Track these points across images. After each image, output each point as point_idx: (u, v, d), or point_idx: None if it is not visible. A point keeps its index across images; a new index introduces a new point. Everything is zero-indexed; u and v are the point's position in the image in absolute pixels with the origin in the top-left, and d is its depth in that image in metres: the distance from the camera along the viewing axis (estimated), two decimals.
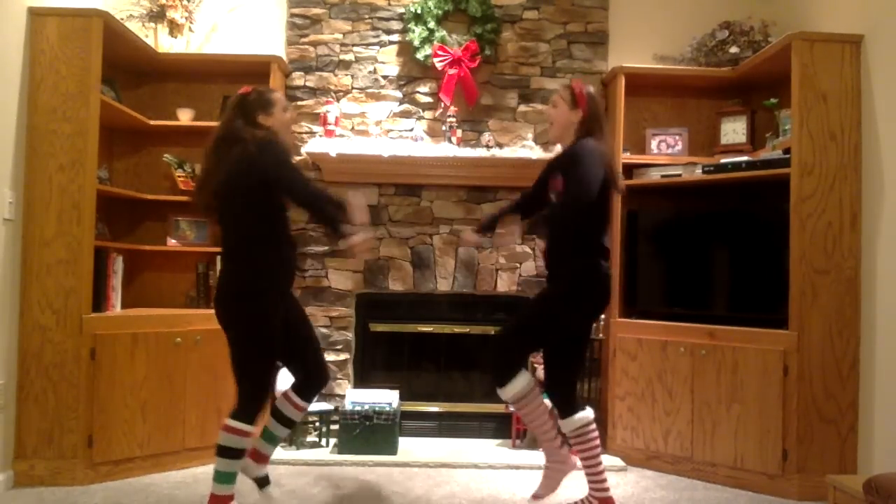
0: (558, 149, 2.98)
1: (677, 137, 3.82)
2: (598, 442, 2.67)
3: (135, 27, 3.53)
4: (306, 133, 3.86)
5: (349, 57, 3.90)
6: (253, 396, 2.54)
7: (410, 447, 3.58)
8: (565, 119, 2.70)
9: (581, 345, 2.78)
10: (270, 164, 2.46)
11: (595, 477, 2.66)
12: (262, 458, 2.68)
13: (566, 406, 2.69)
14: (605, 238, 2.68)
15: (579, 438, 2.65)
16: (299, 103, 3.87)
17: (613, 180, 2.65)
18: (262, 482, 2.73)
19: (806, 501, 2.99)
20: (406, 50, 3.87)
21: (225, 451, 2.48)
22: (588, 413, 2.68)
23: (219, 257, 3.61)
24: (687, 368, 3.31)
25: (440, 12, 3.81)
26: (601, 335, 3.65)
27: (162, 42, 3.66)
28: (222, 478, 2.50)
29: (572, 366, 2.76)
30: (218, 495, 2.50)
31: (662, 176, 3.62)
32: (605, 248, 2.67)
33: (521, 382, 2.64)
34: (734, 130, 3.74)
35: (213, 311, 3.51)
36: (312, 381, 2.73)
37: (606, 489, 2.67)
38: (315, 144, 3.67)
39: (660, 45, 3.91)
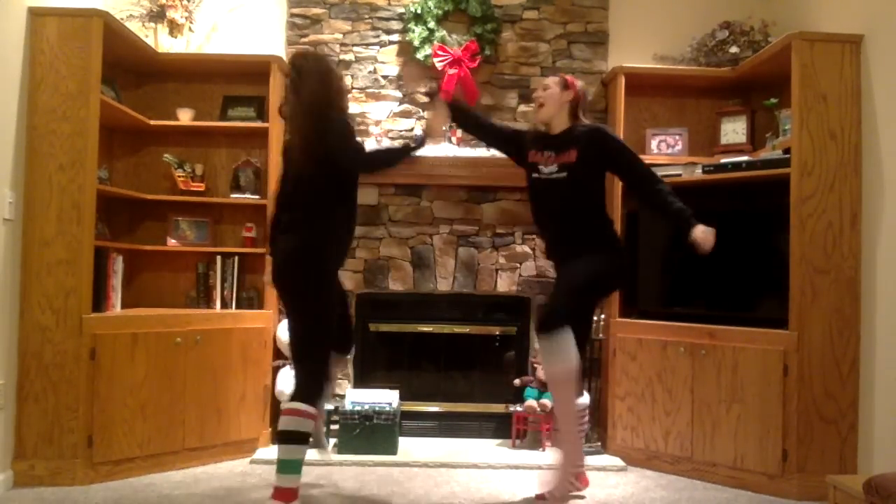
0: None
1: (677, 137, 3.82)
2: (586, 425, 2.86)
3: (135, 27, 3.53)
4: None
5: (349, 57, 3.90)
6: (316, 375, 2.49)
7: (410, 447, 3.58)
8: (558, 98, 2.86)
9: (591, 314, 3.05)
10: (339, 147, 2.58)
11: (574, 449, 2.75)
12: (288, 496, 2.48)
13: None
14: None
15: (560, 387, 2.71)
16: None
17: None
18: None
19: (806, 501, 2.99)
20: (406, 50, 3.87)
21: (289, 437, 2.36)
22: (585, 400, 2.85)
23: (219, 257, 3.65)
24: (687, 368, 3.31)
25: (440, 12, 3.81)
26: (601, 335, 3.64)
27: (162, 42, 3.66)
28: (288, 466, 2.36)
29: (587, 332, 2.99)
30: (284, 487, 2.35)
31: (662, 176, 3.61)
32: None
33: (569, 339, 2.61)
34: (734, 130, 3.74)
35: (212, 311, 3.53)
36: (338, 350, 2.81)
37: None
38: None
39: (660, 45, 3.91)
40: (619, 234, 2.92)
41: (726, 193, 3.62)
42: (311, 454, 3.40)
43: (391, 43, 3.91)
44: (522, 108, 3.90)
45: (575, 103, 2.88)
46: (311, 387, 2.46)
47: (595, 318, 3.64)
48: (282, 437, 2.38)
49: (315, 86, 2.57)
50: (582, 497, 2.95)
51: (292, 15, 3.89)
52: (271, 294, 3.61)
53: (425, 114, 3.24)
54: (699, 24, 3.85)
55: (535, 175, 2.89)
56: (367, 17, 3.90)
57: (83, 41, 3.01)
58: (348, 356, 2.78)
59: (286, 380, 3.58)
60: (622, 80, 3.63)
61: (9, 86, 2.89)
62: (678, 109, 3.92)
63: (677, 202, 2.76)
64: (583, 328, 2.86)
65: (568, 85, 2.88)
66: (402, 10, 3.88)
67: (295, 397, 2.44)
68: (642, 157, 3.71)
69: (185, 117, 3.70)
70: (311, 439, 2.47)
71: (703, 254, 2.69)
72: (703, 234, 2.68)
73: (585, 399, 2.86)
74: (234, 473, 3.20)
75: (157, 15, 3.67)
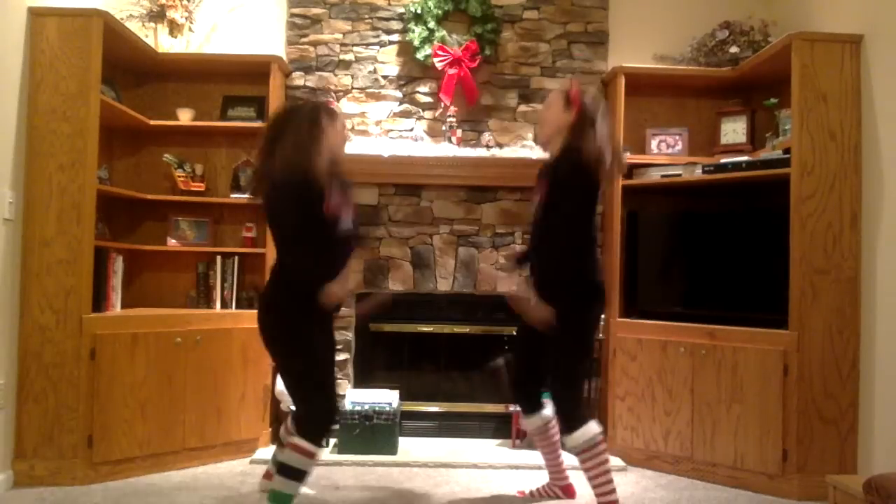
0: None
1: (677, 137, 3.82)
2: (607, 457, 2.58)
3: (135, 27, 3.53)
4: None
5: (349, 57, 3.90)
6: (319, 412, 2.43)
7: (410, 447, 3.58)
8: (557, 120, 2.60)
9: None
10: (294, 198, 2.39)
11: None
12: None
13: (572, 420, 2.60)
14: (594, 247, 2.66)
15: (587, 454, 2.54)
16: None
17: (601, 177, 2.52)
18: None
19: (806, 501, 2.98)
20: (406, 50, 3.87)
21: (289, 472, 2.35)
22: (595, 427, 2.57)
23: (219, 257, 3.65)
24: (687, 368, 3.31)
25: (440, 12, 3.81)
26: (601, 335, 3.64)
27: (162, 42, 3.66)
28: (280, 498, 2.35)
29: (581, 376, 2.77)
30: None
31: (662, 176, 3.62)
32: (596, 258, 2.66)
33: (592, 428, 2.54)
34: (734, 130, 3.74)
35: (212, 311, 3.53)
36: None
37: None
38: None
39: (660, 45, 3.91)
40: (587, 284, 2.60)
41: (726, 193, 3.62)
42: None
43: (391, 43, 3.91)
44: (522, 108, 3.90)
45: (575, 126, 2.53)
46: (317, 424, 2.42)
47: None
48: (281, 470, 2.37)
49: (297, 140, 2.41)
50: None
51: (292, 15, 3.89)
52: None
53: None
54: (699, 24, 3.85)
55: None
56: (367, 17, 3.90)
57: (83, 41, 3.01)
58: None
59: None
60: (622, 80, 3.63)
61: (9, 86, 2.89)
62: (678, 109, 3.92)
63: (550, 270, 2.59)
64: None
65: (571, 102, 2.57)
66: (402, 10, 3.88)
67: (301, 434, 2.38)
68: (642, 156, 3.76)
69: (184, 117, 3.70)
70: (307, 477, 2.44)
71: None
72: (536, 310, 2.55)
73: (549, 412, 2.75)
74: (234, 473, 3.20)
75: (157, 15, 3.66)
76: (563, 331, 2.54)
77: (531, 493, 2.97)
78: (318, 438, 2.39)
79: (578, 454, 2.55)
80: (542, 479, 3.02)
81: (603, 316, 3.63)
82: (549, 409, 2.78)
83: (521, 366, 2.88)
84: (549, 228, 2.58)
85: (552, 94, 2.71)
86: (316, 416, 2.44)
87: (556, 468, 2.93)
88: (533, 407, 2.82)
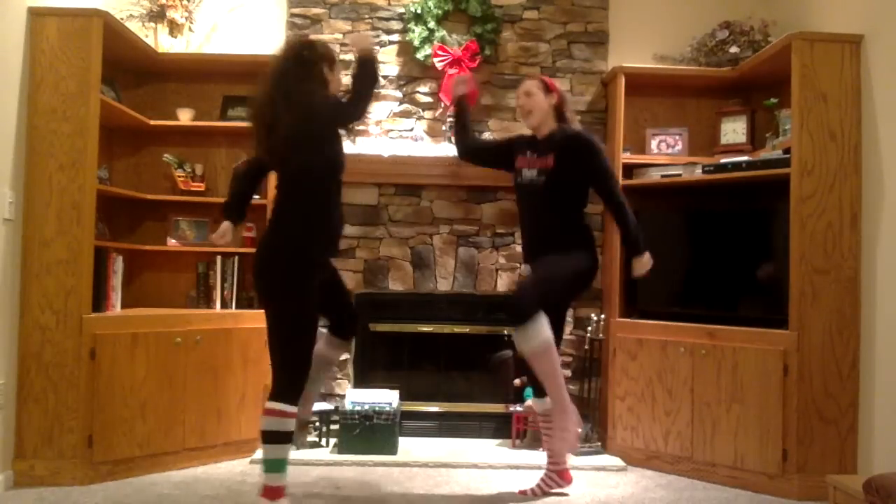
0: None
1: (677, 137, 3.82)
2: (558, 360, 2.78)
3: (135, 27, 3.53)
4: None
5: (349, 57, 3.88)
6: (295, 375, 2.48)
7: (410, 447, 3.58)
8: (545, 104, 2.93)
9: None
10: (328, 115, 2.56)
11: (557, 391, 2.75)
12: (276, 493, 2.49)
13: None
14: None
15: (541, 356, 2.70)
16: None
17: None
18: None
19: (806, 501, 2.98)
20: (406, 50, 3.87)
21: (272, 437, 2.41)
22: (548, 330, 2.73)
23: (219, 257, 3.65)
24: (687, 368, 3.31)
25: (440, 12, 3.81)
26: (601, 335, 3.64)
27: (162, 42, 3.66)
28: (273, 465, 2.42)
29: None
30: (271, 486, 2.42)
31: (662, 176, 3.62)
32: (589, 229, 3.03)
33: (544, 323, 2.67)
34: (734, 130, 3.74)
35: (212, 311, 3.53)
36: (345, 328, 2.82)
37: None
38: None
39: (660, 45, 3.91)
40: (596, 242, 3.03)
41: (726, 193, 3.62)
42: (311, 454, 3.42)
43: (391, 43, 3.91)
44: None
45: (559, 105, 2.95)
46: (290, 387, 2.45)
47: (595, 318, 3.66)
48: (265, 438, 2.42)
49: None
50: (565, 494, 2.97)
51: (292, 15, 3.89)
52: None
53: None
54: (699, 24, 3.85)
55: (518, 180, 2.99)
56: (367, 17, 3.90)
57: (83, 41, 3.01)
58: (349, 342, 2.79)
59: None
60: (622, 80, 3.63)
61: (9, 86, 2.89)
62: (678, 109, 3.92)
63: (637, 227, 2.91)
64: (556, 326, 2.83)
65: (550, 88, 2.95)
66: (402, 10, 3.88)
67: (274, 397, 2.43)
68: (642, 156, 3.76)
69: (184, 117, 3.70)
70: (294, 437, 2.50)
71: (635, 276, 2.98)
72: (645, 261, 2.92)
73: (547, 403, 2.86)
74: (234, 473, 3.20)
75: (157, 15, 3.66)
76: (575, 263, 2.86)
77: (531, 490, 2.98)
78: (294, 400, 2.45)
79: (531, 354, 2.71)
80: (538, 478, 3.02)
81: (603, 315, 3.67)
82: (547, 402, 2.87)
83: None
84: (560, 196, 2.88)
85: (529, 85, 2.98)
86: (297, 381, 2.48)
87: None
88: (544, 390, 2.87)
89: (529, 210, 3.00)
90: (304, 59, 2.57)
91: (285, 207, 2.58)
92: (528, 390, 3.64)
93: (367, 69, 2.66)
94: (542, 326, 2.67)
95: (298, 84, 2.51)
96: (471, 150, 3.23)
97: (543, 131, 2.96)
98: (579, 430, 2.95)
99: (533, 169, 2.92)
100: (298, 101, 2.49)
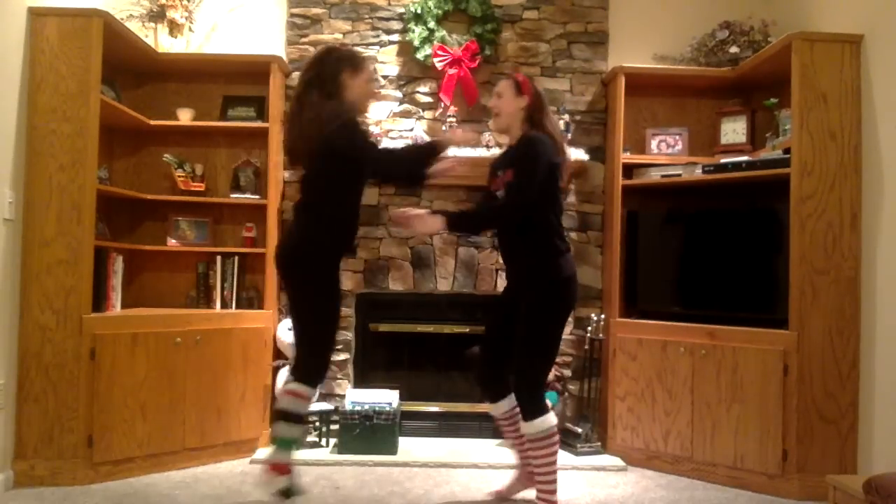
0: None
1: (677, 137, 3.82)
2: (556, 449, 2.60)
3: (135, 27, 3.53)
4: None
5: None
6: (318, 359, 2.61)
7: (410, 447, 3.58)
8: (512, 107, 2.68)
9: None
10: (348, 148, 2.55)
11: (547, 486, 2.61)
12: (282, 469, 2.61)
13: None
14: (562, 228, 2.70)
15: (538, 443, 2.58)
16: None
17: (564, 169, 2.67)
18: (288, 492, 2.66)
19: (806, 501, 2.99)
20: (406, 50, 3.87)
21: (287, 416, 2.52)
22: (552, 418, 2.60)
23: (219, 257, 3.65)
24: (687, 368, 3.31)
25: (440, 12, 3.81)
26: (601, 335, 3.64)
27: (162, 42, 3.66)
28: (284, 444, 2.54)
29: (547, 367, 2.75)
30: (280, 462, 2.54)
31: (662, 176, 3.62)
32: (564, 238, 2.69)
33: (551, 419, 2.58)
34: (734, 130, 3.74)
35: (212, 311, 3.54)
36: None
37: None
38: None
39: (660, 45, 3.91)
40: (564, 255, 2.65)
41: (726, 193, 3.62)
42: (311, 454, 3.42)
43: (391, 43, 3.91)
44: None
45: (531, 109, 2.66)
46: (313, 370, 2.58)
47: (595, 317, 3.66)
48: (280, 416, 2.53)
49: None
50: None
51: (292, 15, 3.89)
52: (271, 294, 3.62)
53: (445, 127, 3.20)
54: (699, 24, 3.85)
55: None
56: (367, 17, 3.90)
57: (83, 41, 3.01)
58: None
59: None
60: (622, 80, 3.63)
61: (9, 86, 2.89)
62: (678, 109, 3.92)
63: (483, 216, 2.76)
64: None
65: (522, 89, 2.68)
66: (402, 10, 3.88)
67: (296, 377, 2.55)
68: (642, 156, 3.76)
69: (185, 117, 3.70)
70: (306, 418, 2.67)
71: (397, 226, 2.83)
72: (432, 224, 2.60)
73: (553, 418, 2.65)
74: (234, 473, 3.20)
75: (157, 15, 3.67)
76: (532, 322, 2.59)
77: (504, 489, 2.93)
78: (315, 384, 2.58)
79: (532, 443, 2.59)
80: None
81: (603, 315, 3.66)
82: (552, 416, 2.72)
83: (486, 354, 2.85)
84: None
85: (501, 84, 2.75)
86: (320, 366, 2.62)
87: (526, 453, 2.84)
88: (499, 394, 2.81)
89: (500, 234, 2.81)
90: (322, 67, 2.63)
91: (308, 206, 2.68)
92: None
93: (423, 155, 2.72)
94: (548, 416, 2.57)
95: (312, 94, 2.58)
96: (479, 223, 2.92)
97: (512, 139, 2.73)
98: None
99: (501, 189, 2.67)
100: (309, 116, 2.56)
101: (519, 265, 2.74)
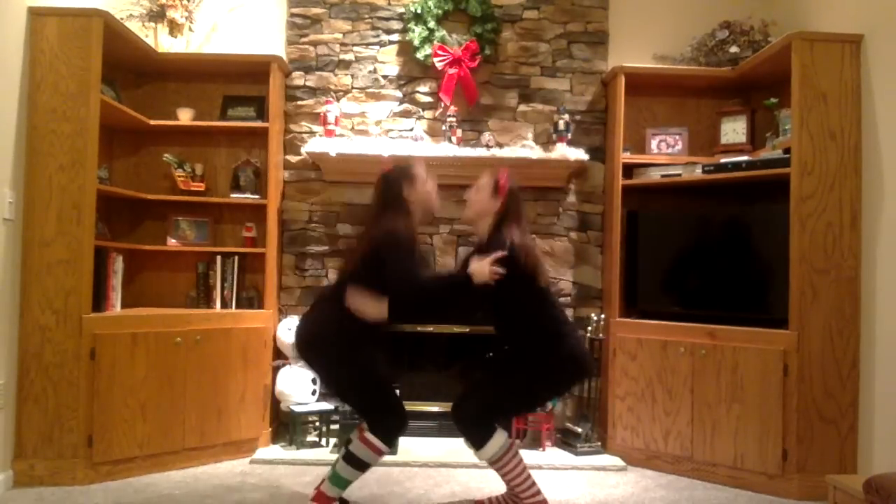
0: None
1: (677, 137, 3.82)
2: (520, 459, 2.59)
3: (135, 27, 3.53)
4: (306, 133, 3.86)
5: (349, 57, 3.90)
6: (383, 416, 2.60)
7: (410, 447, 3.58)
8: (483, 206, 2.66)
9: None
10: (383, 251, 2.54)
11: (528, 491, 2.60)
12: (326, 502, 2.61)
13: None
14: (551, 319, 2.63)
15: (501, 461, 2.56)
16: (299, 103, 3.88)
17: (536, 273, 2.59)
18: None
19: (806, 501, 2.99)
20: (406, 50, 3.87)
21: (355, 462, 2.55)
22: (501, 433, 2.57)
23: (219, 257, 3.65)
24: (687, 368, 3.31)
25: (440, 12, 3.81)
26: (601, 335, 3.64)
27: (162, 42, 3.66)
28: (339, 481, 2.57)
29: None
30: (327, 495, 2.57)
31: (662, 176, 3.62)
32: (554, 328, 2.61)
33: (498, 441, 2.55)
34: (734, 130, 3.74)
35: (212, 311, 3.53)
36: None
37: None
38: (315, 144, 3.67)
39: (660, 45, 3.91)
40: (550, 347, 2.59)
41: (726, 193, 3.62)
42: (311, 454, 3.42)
43: (391, 43, 3.91)
44: (522, 107, 3.90)
45: (501, 213, 2.62)
46: (389, 422, 2.60)
47: (595, 317, 3.66)
48: (348, 457, 2.55)
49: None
50: None
51: (292, 15, 3.89)
52: (271, 294, 3.62)
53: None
54: (699, 24, 3.85)
55: None
56: (367, 16, 3.90)
57: (83, 41, 3.01)
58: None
59: (286, 380, 3.58)
60: (622, 80, 3.63)
61: (9, 86, 2.89)
62: (678, 109, 3.92)
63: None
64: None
65: (498, 192, 2.63)
66: (402, 9, 3.88)
67: (375, 432, 2.56)
68: (642, 156, 3.77)
69: (184, 117, 3.70)
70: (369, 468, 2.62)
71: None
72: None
73: (504, 436, 2.61)
74: (234, 473, 3.20)
75: (157, 15, 3.67)
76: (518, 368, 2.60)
77: (489, 500, 2.86)
78: (389, 440, 2.58)
79: (494, 464, 2.58)
80: (539, 478, 3.00)
81: (603, 315, 3.66)
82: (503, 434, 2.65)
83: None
84: (512, 318, 2.65)
85: (484, 180, 2.71)
86: (386, 421, 2.60)
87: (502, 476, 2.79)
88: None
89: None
90: (382, 189, 2.68)
91: (334, 299, 2.64)
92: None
93: (457, 289, 2.64)
94: (496, 434, 2.54)
95: (388, 216, 2.60)
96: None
97: (481, 235, 2.70)
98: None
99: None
100: (369, 235, 2.61)
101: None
